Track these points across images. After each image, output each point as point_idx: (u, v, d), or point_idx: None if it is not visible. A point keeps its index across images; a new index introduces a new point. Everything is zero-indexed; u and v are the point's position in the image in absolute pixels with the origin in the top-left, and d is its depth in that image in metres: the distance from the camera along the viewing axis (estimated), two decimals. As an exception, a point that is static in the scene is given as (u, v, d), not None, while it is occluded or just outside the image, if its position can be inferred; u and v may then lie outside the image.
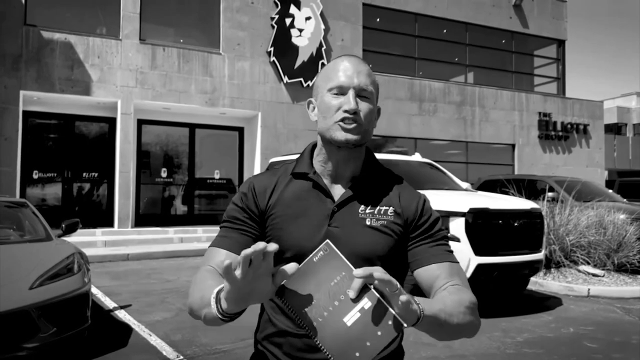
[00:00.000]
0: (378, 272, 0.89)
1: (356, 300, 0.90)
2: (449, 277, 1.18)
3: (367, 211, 1.20)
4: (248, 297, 0.93)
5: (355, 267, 0.94)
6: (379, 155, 7.58)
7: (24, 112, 10.94)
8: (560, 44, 18.19)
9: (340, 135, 1.18)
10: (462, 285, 1.18)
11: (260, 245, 0.86)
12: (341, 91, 1.19)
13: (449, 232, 1.13)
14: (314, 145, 1.32)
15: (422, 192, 5.29)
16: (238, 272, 0.88)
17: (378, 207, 1.21)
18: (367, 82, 1.20)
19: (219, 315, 0.98)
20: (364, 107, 1.20)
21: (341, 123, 1.18)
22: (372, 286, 0.92)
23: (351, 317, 0.88)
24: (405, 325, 0.91)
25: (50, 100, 11.23)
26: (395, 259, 1.21)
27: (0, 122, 10.40)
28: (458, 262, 1.24)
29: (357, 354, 0.86)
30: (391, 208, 1.22)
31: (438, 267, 1.19)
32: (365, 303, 0.91)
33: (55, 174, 11.64)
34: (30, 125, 11.40)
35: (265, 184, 1.27)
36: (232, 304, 0.94)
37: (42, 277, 3.96)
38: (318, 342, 0.89)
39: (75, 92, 11.00)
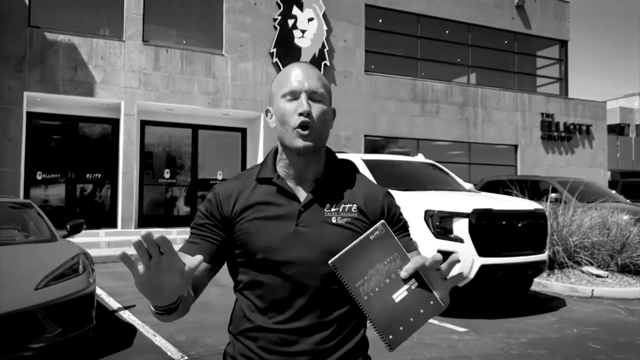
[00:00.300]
0: (429, 260, 1.03)
1: (406, 280, 1.02)
2: None
3: (332, 210, 1.26)
4: (159, 290, 1.02)
5: (322, 263, 1.14)
6: (381, 156, 7.59)
7: (28, 113, 10.97)
8: (563, 44, 18.18)
9: (299, 143, 1.24)
10: None
11: (151, 236, 0.94)
12: (294, 96, 1.26)
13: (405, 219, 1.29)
14: (277, 150, 1.37)
15: (427, 193, 5.20)
16: (140, 266, 0.97)
17: (342, 205, 1.27)
18: (317, 85, 1.27)
19: (152, 309, 1.10)
20: (316, 108, 1.26)
21: (299, 130, 1.24)
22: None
23: (399, 295, 0.98)
24: (444, 306, 1.04)
25: (54, 101, 11.26)
26: None
27: (4, 123, 10.43)
28: (417, 247, 1.36)
29: (401, 328, 0.98)
30: (355, 205, 1.28)
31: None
32: (413, 283, 1.03)
33: (58, 175, 11.67)
34: (34, 126, 11.43)
35: (230, 191, 1.31)
36: (149, 297, 1.04)
37: (47, 277, 3.97)
38: (367, 313, 0.99)
39: (78, 93, 11.03)
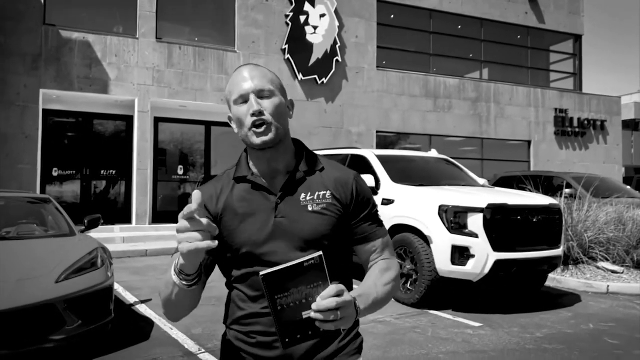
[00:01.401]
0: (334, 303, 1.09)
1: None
2: (381, 252, 1.40)
3: (308, 198, 1.32)
4: (200, 253, 1.11)
5: (302, 249, 1.27)
6: (395, 152, 7.58)
7: (44, 110, 11.10)
8: (577, 39, 17.98)
9: (256, 140, 1.29)
10: (391, 256, 1.42)
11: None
12: (244, 99, 1.30)
13: (376, 204, 1.34)
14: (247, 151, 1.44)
15: (441, 189, 5.22)
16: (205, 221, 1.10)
17: (317, 193, 1.33)
18: (263, 83, 1.31)
19: (184, 282, 1.19)
20: (267, 104, 1.30)
21: (254, 129, 1.29)
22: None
23: (308, 313, 1.09)
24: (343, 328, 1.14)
25: (69, 98, 11.39)
26: (340, 237, 1.35)
27: (20, 120, 10.58)
28: (387, 234, 1.43)
29: (299, 336, 1.10)
30: (328, 192, 1.34)
31: (374, 244, 1.40)
32: None
33: (74, 172, 11.81)
34: (50, 124, 11.57)
35: (210, 192, 1.39)
36: (192, 259, 1.13)
37: (67, 271, 4.04)
38: (274, 317, 1.09)
39: (93, 90, 11.15)
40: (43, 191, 11.01)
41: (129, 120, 12.10)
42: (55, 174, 11.57)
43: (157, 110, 12.25)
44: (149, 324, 4.90)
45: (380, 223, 1.42)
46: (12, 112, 10.52)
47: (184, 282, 1.19)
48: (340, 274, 1.30)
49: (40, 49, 10.80)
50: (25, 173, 10.53)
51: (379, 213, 1.44)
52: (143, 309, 5.43)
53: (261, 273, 1.06)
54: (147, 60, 11.69)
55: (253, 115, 1.27)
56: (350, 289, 1.37)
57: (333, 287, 1.07)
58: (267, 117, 1.28)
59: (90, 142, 12.00)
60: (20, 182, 10.33)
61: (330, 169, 1.40)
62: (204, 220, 1.09)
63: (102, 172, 12.08)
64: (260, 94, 1.29)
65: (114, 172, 12.18)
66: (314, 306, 1.06)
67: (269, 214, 1.31)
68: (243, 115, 1.29)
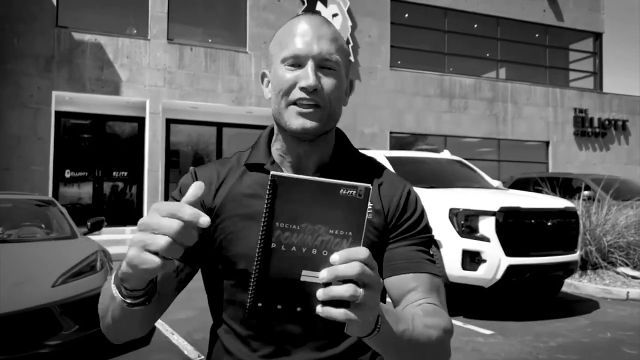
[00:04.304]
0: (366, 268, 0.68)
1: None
2: (427, 293, 0.96)
3: None
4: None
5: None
6: (405, 153, 7.42)
7: (56, 112, 11.16)
8: (597, 36, 17.56)
9: (297, 123, 0.94)
10: (441, 305, 0.96)
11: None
12: (297, 62, 0.95)
13: (433, 236, 0.92)
14: (272, 129, 1.08)
15: (452, 191, 5.00)
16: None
17: None
18: (330, 50, 0.95)
19: (128, 300, 0.81)
20: (327, 82, 0.95)
21: (297, 107, 0.94)
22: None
23: (309, 276, 0.68)
24: (346, 331, 0.71)
25: (81, 100, 11.43)
26: (376, 261, 0.95)
27: (33, 122, 10.63)
28: (440, 277, 1.01)
29: (279, 307, 0.68)
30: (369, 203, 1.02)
31: (415, 278, 0.96)
32: None
33: (86, 173, 11.86)
34: (62, 125, 11.64)
35: (210, 176, 1.03)
36: (142, 270, 0.71)
37: (65, 274, 3.97)
38: (257, 260, 0.68)
39: (105, 92, 11.17)
40: (56, 192, 11.07)
41: (140, 121, 12.11)
42: (67, 175, 11.64)
43: (168, 112, 12.24)
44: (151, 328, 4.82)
45: (433, 259, 1.01)
46: (25, 114, 10.59)
47: (127, 301, 0.82)
48: None
49: (53, 51, 10.85)
50: (38, 174, 10.58)
51: (433, 241, 1.06)
52: (146, 313, 5.35)
53: (272, 173, 0.68)
54: (158, 62, 11.68)
55: (303, 89, 0.93)
56: None
57: (364, 250, 0.67)
58: (323, 97, 0.95)
59: (102, 143, 12.05)
60: (32, 183, 10.39)
61: (376, 173, 1.06)
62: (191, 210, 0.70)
63: (114, 173, 12.12)
64: (323, 64, 0.95)
65: (126, 173, 12.21)
66: (335, 256, 0.66)
67: None
68: (288, 82, 0.94)
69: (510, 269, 5.15)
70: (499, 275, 5.14)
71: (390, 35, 14.25)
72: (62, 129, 11.60)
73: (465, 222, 5.24)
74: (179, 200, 0.85)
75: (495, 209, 5.23)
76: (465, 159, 8.28)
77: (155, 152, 11.55)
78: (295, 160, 1.02)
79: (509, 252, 5.17)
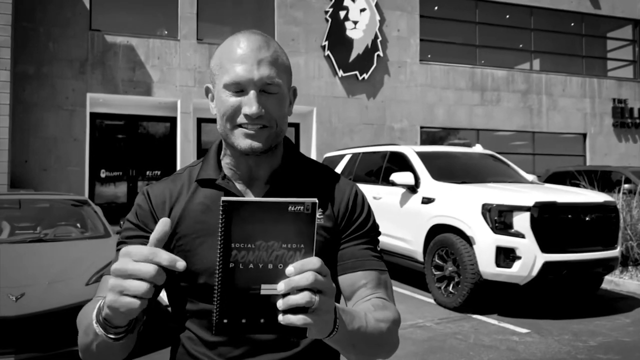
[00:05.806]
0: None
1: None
2: (375, 289, 1.04)
3: None
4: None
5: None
6: (436, 148, 7.28)
7: (91, 113, 11.43)
8: (637, 24, 16.88)
9: (244, 144, 0.97)
10: (388, 298, 1.04)
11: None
12: (239, 87, 0.96)
13: (380, 233, 1.00)
14: (221, 143, 1.10)
15: (485, 186, 4.89)
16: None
17: None
18: (271, 74, 0.96)
19: (102, 329, 0.85)
20: (270, 104, 0.97)
21: (243, 129, 0.97)
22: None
23: (269, 289, 0.74)
24: (306, 336, 0.77)
25: (115, 101, 11.68)
26: (330, 262, 1.01)
27: (69, 123, 10.92)
28: (386, 271, 1.07)
29: (244, 321, 0.75)
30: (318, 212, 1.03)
31: (364, 275, 1.03)
32: None
33: (120, 173, 12.12)
34: (97, 126, 11.93)
35: (163, 195, 1.06)
36: (128, 311, 0.77)
37: (98, 273, 4.04)
38: (217, 280, 0.73)
39: (137, 92, 11.37)
40: (92, 192, 11.35)
41: (172, 121, 12.29)
42: (102, 175, 11.91)
43: (199, 111, 12.37)
44: (182, 326, 4.86)
45: (379, 255, 1.08)
46: (61, 116, 10.87)
47: (110, 336, 0.85)
48: None
49: (87, 53, 11.11)
50: (74, 175, 10.86)
51: (378, 242, 1.11)
52: (178, 310, 5.41)
53: (223, 198, 0.73)
54: (188, 62, 11.82)
55: (247, 117, 0.95)
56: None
57: (316, 260, 0.73)
58: (268, 119, 0.97)
59: (136, 143, 12.28)
60: (69, 184, 10.66)
61: (325, 178, 1.09)
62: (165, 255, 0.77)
63: (148, 172, 12.34)
64: (265, 88, 0.96)
65: (159, 172, 12.41)
66: (290, 269, 0.72)
67: None
68: (232, 107, 0.96)
69: (547, 265, 4.99)
70: (535, 272, 4.99)
71: (420, 29, 14.03)
72: (96, 130, 11.88)
73: (499, 218, 5.11)
74: (136, 224, 1.04)
75: (530, 204, 5.07)
76: (499, 152, 8.09)
77: (187, 151, 11.69)
78: (246, 172, 1.05)
79: (544, 249, 5.01)
